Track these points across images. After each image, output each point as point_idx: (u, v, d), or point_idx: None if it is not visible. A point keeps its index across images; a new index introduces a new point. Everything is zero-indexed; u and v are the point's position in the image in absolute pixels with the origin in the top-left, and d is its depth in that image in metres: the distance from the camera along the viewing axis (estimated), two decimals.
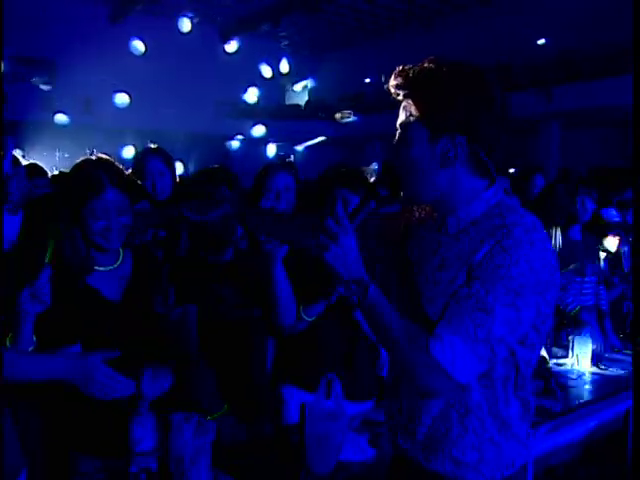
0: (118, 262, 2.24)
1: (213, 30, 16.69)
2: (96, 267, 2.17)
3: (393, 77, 1.57)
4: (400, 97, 1.57)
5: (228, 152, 15.68)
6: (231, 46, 15.28)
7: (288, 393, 2.63)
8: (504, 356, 1.46)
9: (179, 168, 11.45)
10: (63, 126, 13.25)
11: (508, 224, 1.46)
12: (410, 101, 1.54)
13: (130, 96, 13.28)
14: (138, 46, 13.17)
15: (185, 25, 13.87)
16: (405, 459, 1.65)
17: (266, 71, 14.63)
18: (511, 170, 9.48)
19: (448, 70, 1.53)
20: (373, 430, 2.36)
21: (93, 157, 2.26)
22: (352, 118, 14.82)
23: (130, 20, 15.53)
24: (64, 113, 13.23)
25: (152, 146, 3.66)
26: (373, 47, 16.92)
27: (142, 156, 3.67)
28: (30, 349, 2.03)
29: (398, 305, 1.59)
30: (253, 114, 15.56)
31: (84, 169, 2.17)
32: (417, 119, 1.52)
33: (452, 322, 1.41)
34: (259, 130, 14.86)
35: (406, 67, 1.56)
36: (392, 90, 1.58)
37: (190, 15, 14.30)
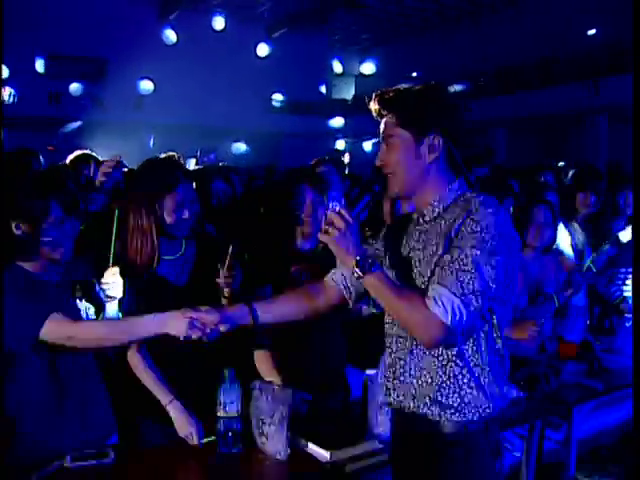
0: (182, 250, 2.53)
1: (261, 28, 16.97)
2: (163, 256, 2.46)
3: (373, 101, 1.91)
4: (383, 114, 1.90)
5: (280, 148, 15.96)
6: (280, 44, 15.66)
7: (348, 373, 2.88)
8: (486, 308, 1.77)
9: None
10: (116, 124, 13.65)
11: (475, 203, 1.79)
12: (391, 115, 1.88)
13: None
14: (171, 36, 13.48)
15: (218, 23, 14.24)
16: (401, 411, 1.94)
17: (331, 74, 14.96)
18: (560, 163, 9.51)
19: (417, 87, 1.89)
20: None
21: (162, 155, 2.54)
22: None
23: (178, 19, 15.87)
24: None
25: (217, 165, 4.11)
26: (420, 42, 16.99)
27: (207, 177, 4.12)
28: None
29: None
30: (307, 110, 15.91)
31: (158, 166, 2.49)
32: (399, 128, 1.86)
33: (442, 283, 1.72)
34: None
35: (381, 91, 1.90)
36: (374, 110, 1.92)
37: (236, 14, 14.69)
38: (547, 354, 3.34)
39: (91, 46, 14.51)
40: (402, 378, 1.92)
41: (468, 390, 1.82)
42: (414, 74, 16.29)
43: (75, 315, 2.29)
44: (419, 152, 1.85)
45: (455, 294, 1.69)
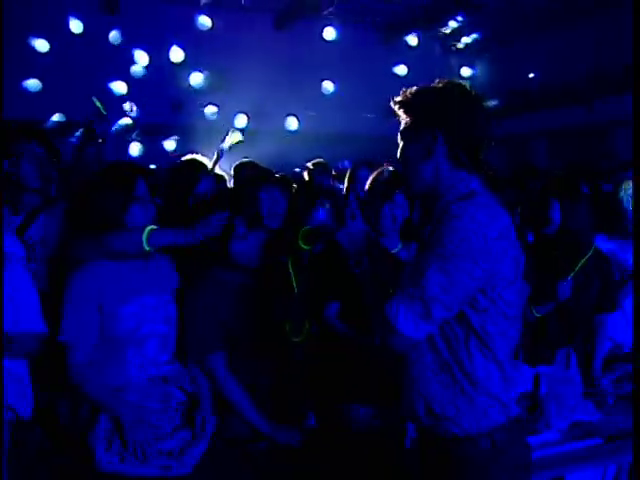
0: None
1: (377, 34, 17.19)
2: None
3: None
4: (397, 110, 1.90)
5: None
6: (394, 49, 15.88)
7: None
8: (442, 315, 1.68)
9: None
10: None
11: (449, 206, 1.75)
12: (402, 110, 1.89)
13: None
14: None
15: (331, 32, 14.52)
16: (414, 421, 1.93)
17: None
18: None
19: (436, 86, 1.87)
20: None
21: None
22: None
23: (296, 27, 16.27)
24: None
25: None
26: (537, 42, 16.64)
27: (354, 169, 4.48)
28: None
29: None
30: None
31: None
32: (408, 123, 1.87)
33: (401, 286, 1.71)
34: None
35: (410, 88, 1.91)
36: (394, 107, 1.91)
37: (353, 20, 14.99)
38: None
39: (210, 56, 15.07)
40: (404, 387, 1.90)
41: (462, 398, 1.75)
42: (531, 75, 16.01)
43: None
44: (417, 149, 1.83)
45: (404, 297, 1.68)
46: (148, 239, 2.24)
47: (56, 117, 8.76)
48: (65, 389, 2.46)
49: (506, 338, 1.78)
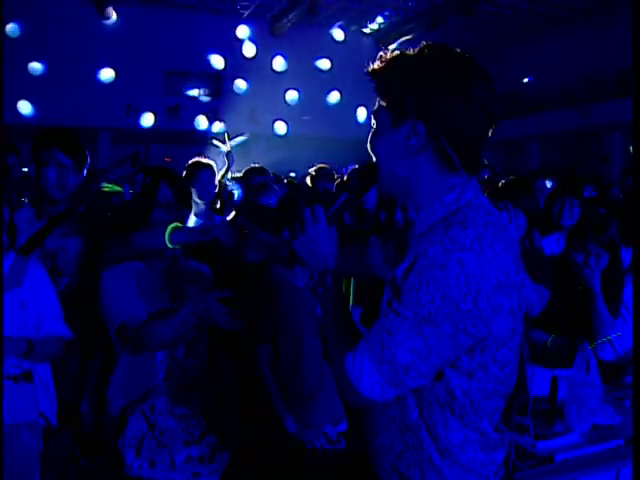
0: None
1: (366, 38, 17.28)
2: None
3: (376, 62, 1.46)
4: (373, 81, 1.46)
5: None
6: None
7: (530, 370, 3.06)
8: (417, 383, 1.34)
9: None
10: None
11: (431, 241, 1.31)
12: (376, 85, 1.45)
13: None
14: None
15: (338, 34, 14.63)
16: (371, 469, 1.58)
17: None
18: None
19: (418, 55, 1.40)
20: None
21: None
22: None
23: (288, 33, 16.39)
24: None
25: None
26: (530, 46, 16.78)
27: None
28: None
29: None
30: None
31: None
32: (382, 105, 1.44)
33: (368, 339, 1.36)
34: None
35: (387, 52, 1.45)
36: (370, 78, 1.46)
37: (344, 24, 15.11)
38: None
39: (205, 62, 15.17)
40: (366, 433, 1.57)
41: (429, 466, 1.43)
42: (525, 80, 16.15)
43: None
44: (398, 139, 1.40)
45: (372, 357, 1.33)
46: (170, 236, 2.28)
47: None
48: (87, 393, 2.49)
49: (495, 399, 1.45)
